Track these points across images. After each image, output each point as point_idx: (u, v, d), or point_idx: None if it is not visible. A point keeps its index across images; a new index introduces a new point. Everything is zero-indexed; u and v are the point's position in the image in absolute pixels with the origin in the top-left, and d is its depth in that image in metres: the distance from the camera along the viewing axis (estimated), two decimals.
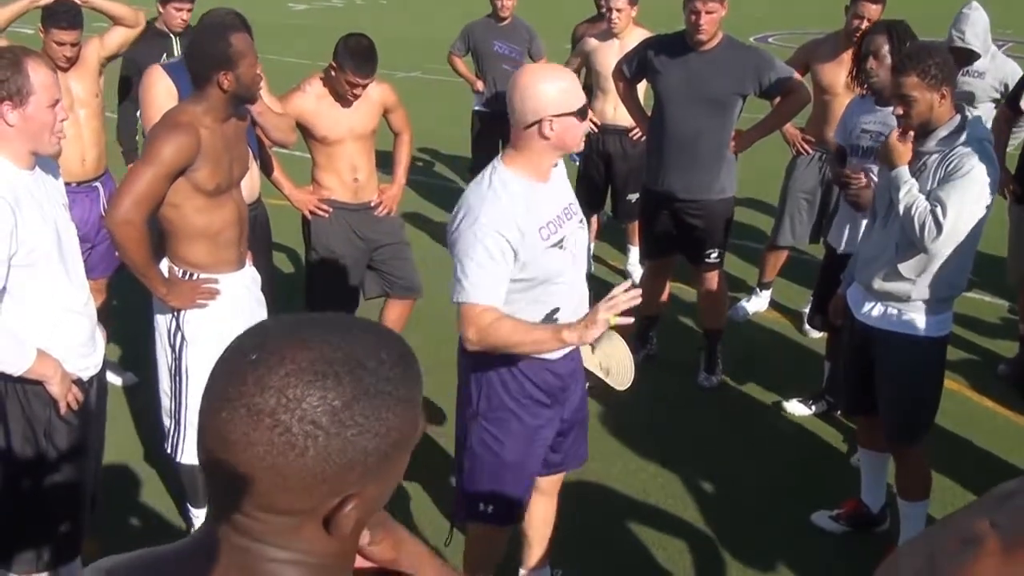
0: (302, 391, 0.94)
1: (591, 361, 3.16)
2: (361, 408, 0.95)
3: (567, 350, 2.94)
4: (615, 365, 3.21)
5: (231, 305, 3.40)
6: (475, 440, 3.05)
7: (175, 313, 3.35)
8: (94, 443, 3.15)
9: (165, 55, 5.22)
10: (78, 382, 2.98)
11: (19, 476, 2.92)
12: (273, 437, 0.93)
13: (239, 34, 3.20)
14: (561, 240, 2.87)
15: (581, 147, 3.00)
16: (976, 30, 5.13)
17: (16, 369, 2.78)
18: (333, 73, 4.42)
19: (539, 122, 2.72)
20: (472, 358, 2.97)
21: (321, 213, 4.65)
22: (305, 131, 4.55)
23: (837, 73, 5.12)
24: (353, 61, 4.32)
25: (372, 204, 4.73)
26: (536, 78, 2.78)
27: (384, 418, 0.97)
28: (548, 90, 2.72)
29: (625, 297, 2.65)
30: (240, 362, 0.97)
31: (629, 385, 3.19)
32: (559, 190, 2.95)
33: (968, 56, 5.14)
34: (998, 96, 5.30)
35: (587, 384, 3.21)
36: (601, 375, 3.15)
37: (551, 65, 3.18)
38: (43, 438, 2.90)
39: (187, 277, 3.36)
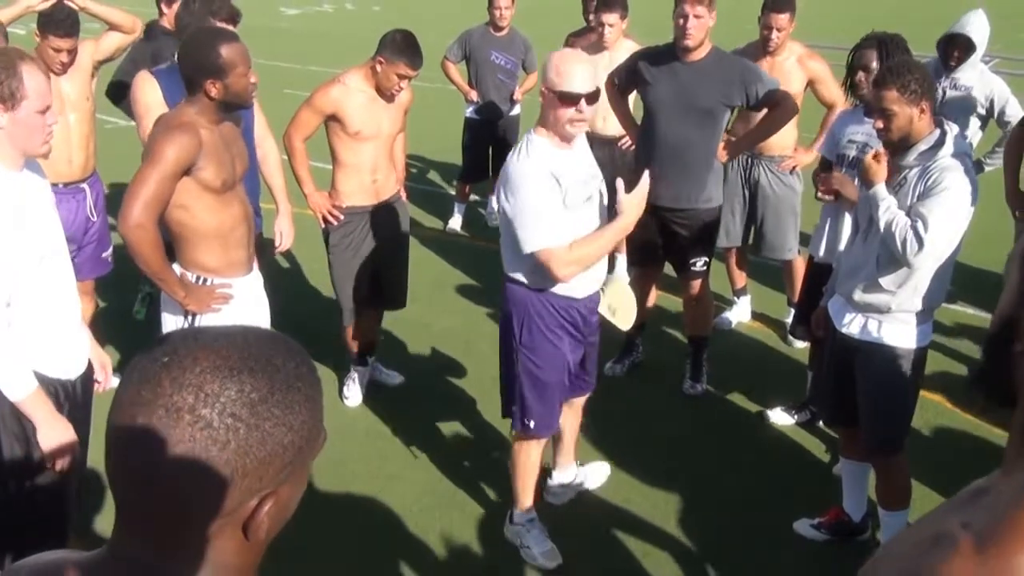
0: (219, 386, 0.96)
1: (600, 303, 3.78)
2: (276, 401, 0.98)
3: (591, 292, 3.63)
4: (620, 306, 3.86)
5: (242, 309, 3.43)
6: (520, 367, 3.62)
7: (188, 317, 3.36)
8: (81, 442, 3.13)
9: (176, 55, 5.24)
10: (65, 382, 2.99)
11: (6, 476, 2.92)
12: (195, 433, 0.95)
13: (230, 44, 3.21)
14: (589, 197, 3.52)
15: (580, 131, 3.44)
16: (977, 26, 5.28)
17: (11, 394, 2.78)
18: (379, 68, 4.48)
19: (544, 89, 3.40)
20: (513, 302, 3.58)
21: (332, 220, 4.72)
22: (336, 126, 4.60)
23: None
24: (406, 55, 4.43)
25: (396, 195, 4.91)
26: (569, 57, 3.40)
27: (297, 412, 1.00)
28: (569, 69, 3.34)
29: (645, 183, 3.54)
30: (152, 367, 0.98)
31: (631, 325, 3.99)
32: (585, 153, 3.59)
33: (967, 46, 5.23)
34: (983, 112, 5.40)
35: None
36: (608, 316, 3.81)
37: (577, 52, 3.62)
38: (33, 437, 2.88)
39: (200, 282, 3.38)
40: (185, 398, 0.95)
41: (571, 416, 4.09)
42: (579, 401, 4.07)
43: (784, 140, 5.44)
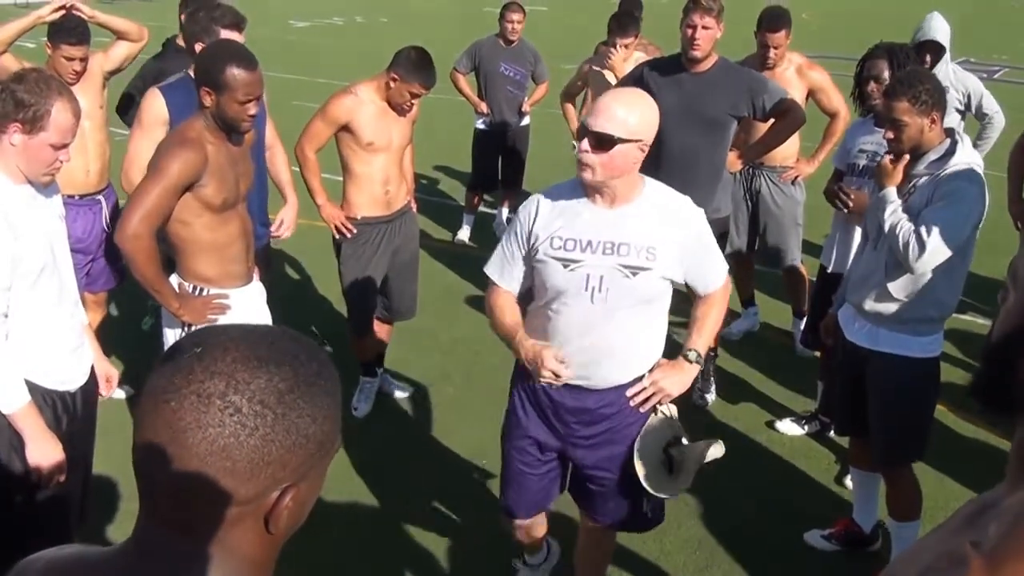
0: (249, 375, 1.00)
1: (648, 448, 2.98)
2: (301, 393, 1.03)
3: (566, 383, 2.91)
4: (685, 470, 3.02)
5: (240, 319, 3.43)
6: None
7: (185, 327, 3.39)
8: (80, 455, 3.14)
9: (188, 70, 5.27)
10: (63, 394, 3.01)
11: (3, 487, 2.92)
12: (224, 418, 0.99)
13: (241, 68, 3.19)
14: (572, 261, 2.85)
15: (584, 176, 2.81)
16: (940, 27, 5.40)
17: (3, 406, 2.79)
18: (393, 84, 4.52)
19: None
20: None
21: (345, 232, 4.74)
22: (347, 137, 4.63)
23: None
24: (420, 73, 4.47)
25: (408, 206, 4.94)
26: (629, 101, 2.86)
27: (320, 406, 1.05)
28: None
29: (563, 372, 2.84)
30: (184, 357, 1.02)
31: (678, 492, 3.07)
32: (617, 223, 2.84)
33: (937, 49, 5.32)
34: (961, 108, 5.56)
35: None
36: (640, 467, 2.94)
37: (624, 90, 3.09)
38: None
39: (197, 292, 3.41)
40: (216, 385, 0.99)
41: (581, 540, 3.38)
42: (597, 530, 3.26)
43: (786, 150, 5.46)
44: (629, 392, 2.95)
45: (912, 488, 3.64)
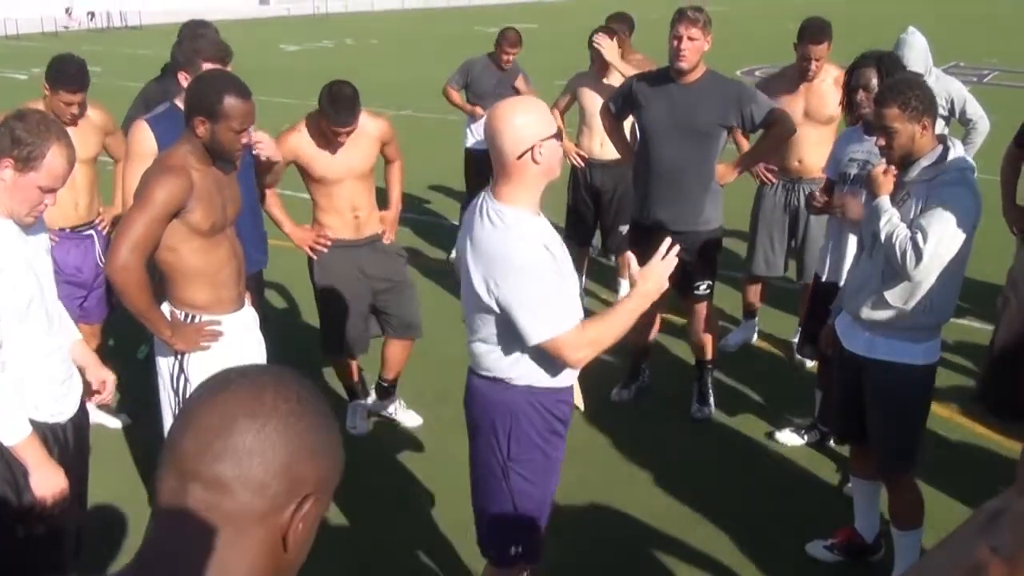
0: (275, 396, 1.11)
1: None
2: (320, 422, 1.14)
3: (574, 378, 3.01)
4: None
5: (233, 346, 3.43)
6: (509, 485, 2.97)
7: (178, 356, 3.38)
8: (74, 486, 3.10)
9: (175, 99, 5.27)
10: (54, 426, 3.00)
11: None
12: (258, 426, 1.09)
13: (236, 97, 3.20)
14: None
15: (557, 173, 2.94)
16: (915, 53, 5.41)
17: (5, 439, 2.79)
18: (319, 118, 4.47)
19: (531, 149, 2.77)
20: (492, 405, 2.92)
21: (321, 248, 4.69)
22: (302, 171, 4.58)
23: (794, 106, 5.35)
24: (333, 110, 4.36)
25: (380, 235, 4.82)
26: (515, 110, 2.85)
27: (329, 434, 1.15)
28: (531, 117, 2.81)
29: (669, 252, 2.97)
30: (224, 382, 1.13)
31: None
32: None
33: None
34: (945, 114, 5.57)
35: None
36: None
37: (520, 98, 3.06)
38: (22, 478, 2.88)
39: (189, 319, 3.40)
40: (251, 403, 1.10)
41: None
42: None
43: (823, 162, 5.45)
44: None
45: (913, 495, 3.62)
